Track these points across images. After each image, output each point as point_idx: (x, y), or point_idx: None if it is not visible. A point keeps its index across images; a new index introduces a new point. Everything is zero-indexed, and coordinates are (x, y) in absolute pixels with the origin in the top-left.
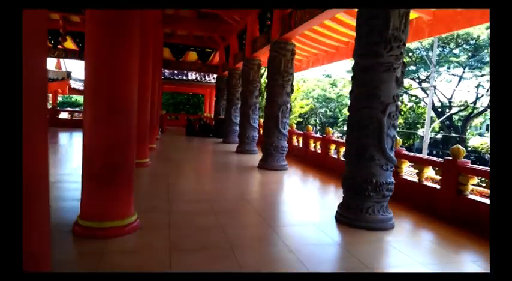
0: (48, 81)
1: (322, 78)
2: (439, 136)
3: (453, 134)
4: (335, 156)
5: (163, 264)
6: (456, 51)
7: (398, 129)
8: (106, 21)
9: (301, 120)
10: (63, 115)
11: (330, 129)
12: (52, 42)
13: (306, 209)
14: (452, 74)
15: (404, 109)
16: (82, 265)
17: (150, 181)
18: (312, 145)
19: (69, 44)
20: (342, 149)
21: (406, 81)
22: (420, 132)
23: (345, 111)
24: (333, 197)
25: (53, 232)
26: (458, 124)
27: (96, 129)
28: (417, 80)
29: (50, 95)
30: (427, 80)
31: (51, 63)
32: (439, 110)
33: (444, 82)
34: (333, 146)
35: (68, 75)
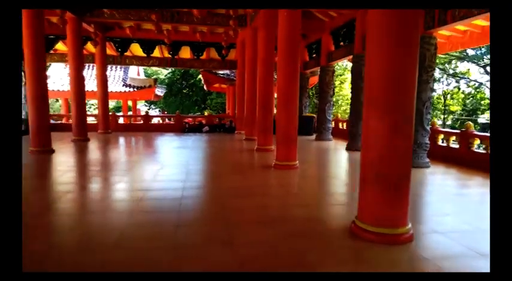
0: (136, 90)
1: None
2: None
3: None
4: (481, 151)
5: None
6: None
7: (455, 116)
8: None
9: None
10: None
11: (471, 123)
12: (119, 49)
13: None
14: None
15: (461, 96)
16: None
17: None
18: (440, 139)
19: (156, 52)
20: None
21: (463, 66)
22: (482, 119)
23: None
24: None
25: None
26: None
27: (391, 140)
28: (482, 64)
29: (130, 102)
30: None
31: (133, 71)
32: None
33: None
34: (476, 141)
35: (155, 82)
